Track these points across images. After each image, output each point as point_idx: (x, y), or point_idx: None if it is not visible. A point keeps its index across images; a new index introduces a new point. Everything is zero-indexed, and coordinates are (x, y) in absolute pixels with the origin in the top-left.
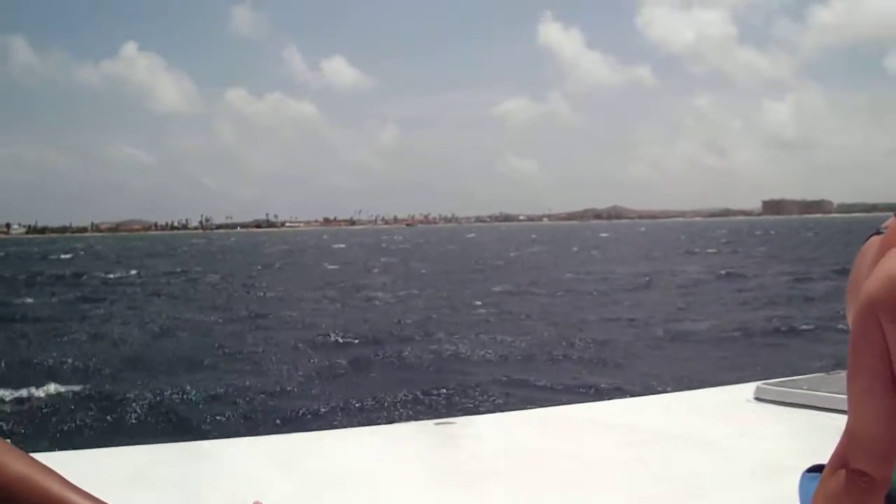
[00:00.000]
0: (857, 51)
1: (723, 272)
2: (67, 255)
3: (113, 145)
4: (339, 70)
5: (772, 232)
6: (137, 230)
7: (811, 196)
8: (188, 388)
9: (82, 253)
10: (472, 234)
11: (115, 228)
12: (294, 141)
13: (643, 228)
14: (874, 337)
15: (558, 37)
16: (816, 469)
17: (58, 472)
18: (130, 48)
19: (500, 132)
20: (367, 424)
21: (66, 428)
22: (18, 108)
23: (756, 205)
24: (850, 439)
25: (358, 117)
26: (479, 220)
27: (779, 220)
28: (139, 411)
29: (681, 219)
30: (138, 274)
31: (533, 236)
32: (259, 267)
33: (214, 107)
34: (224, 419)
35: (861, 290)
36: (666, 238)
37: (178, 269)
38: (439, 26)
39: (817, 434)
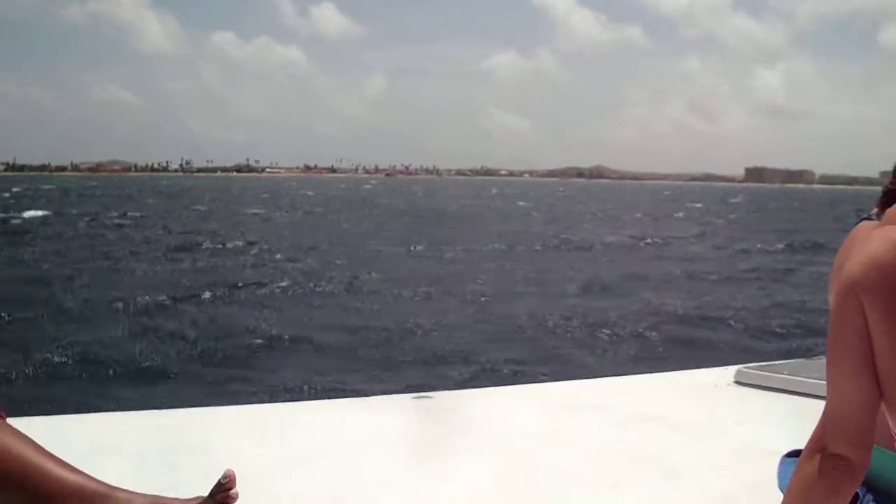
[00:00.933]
0: (852, 22)
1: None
2: (6, 195)
3: (98, 84)
4: (329, 17)
5: (735, 200)
6: (117, 171)
7: (795, 165)
8: None
9: (29, 193)
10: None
11: (95, 168)
12: (281, 87)
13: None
14: (855, 319)
15: None
16: (795, 454)
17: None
18: None
19: (487, 86)
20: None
21: None
22: (2, 43)
23: (739, 171)
24: (828, 422)
25: (345, 65)
26: (459, 172)
27: (759, 187)
28: None
29: (663, 181)
30: (46, 217)
31: (494, 190)
32: (182, 210)
33: (201, 49)
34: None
35: (843, 273)
36: (624, 200)
37: (93, 211)
38: None
39: (797, 419)
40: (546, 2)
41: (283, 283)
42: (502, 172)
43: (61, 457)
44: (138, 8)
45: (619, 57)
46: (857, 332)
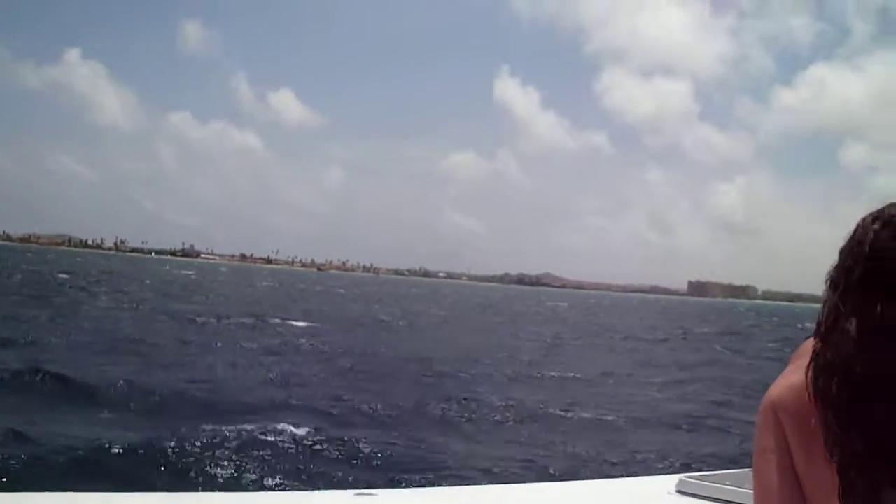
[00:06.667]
0: (817, 139)
1: None
2: None
3: (49, 154)
4: (287, 104)
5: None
6: (56, 244)
7: (742, 280)
8: None
9: None
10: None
11: (26, 239)
12: (235, 172)
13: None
14: (776, 436)
15: (514, 93)
16: None
17: None
18: (73, 55)
19: (444, 186)
20: None
21: None
22: None
23: (685, 285)
24: None
25: (302, 156)
26: (397, 272)
27: (701, 302)
28: None
29: (607, 292)
30: None
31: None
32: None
33: (158, 127)
34: None
35: (765, 396)
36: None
37: None
38: (394, 71)
39: None
40: (509, 103)
41: None
42: (440, 274)
43: None
44: (96, 79)
45: (580, 163)
46: (778, 446)
